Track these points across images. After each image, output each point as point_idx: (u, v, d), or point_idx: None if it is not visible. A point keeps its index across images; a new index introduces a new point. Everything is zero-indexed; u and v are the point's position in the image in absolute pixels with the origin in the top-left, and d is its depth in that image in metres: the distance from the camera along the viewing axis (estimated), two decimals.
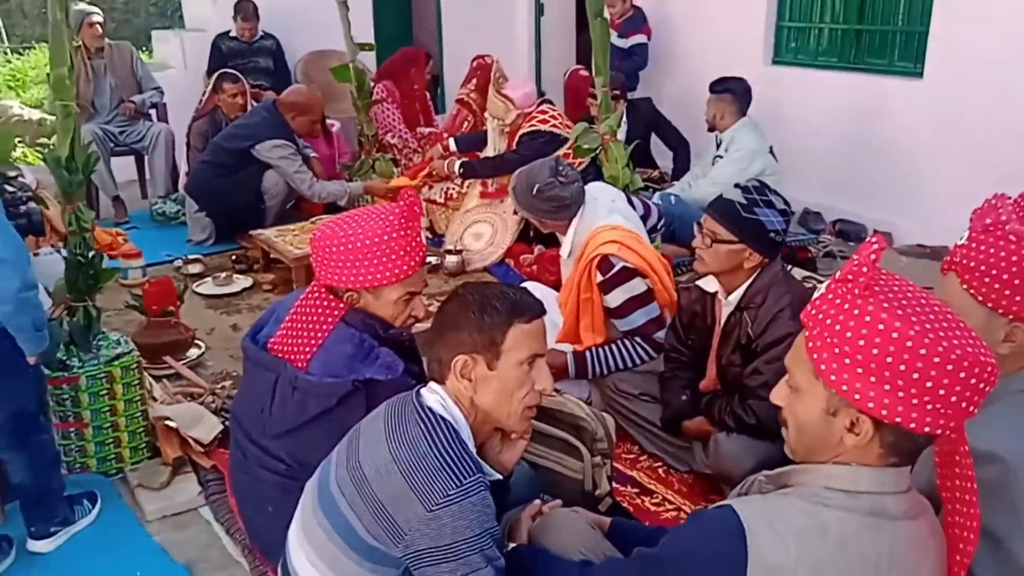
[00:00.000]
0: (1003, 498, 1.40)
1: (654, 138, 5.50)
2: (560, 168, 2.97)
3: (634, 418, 2.85)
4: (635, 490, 2.69)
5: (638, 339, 2.86)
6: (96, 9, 5.83)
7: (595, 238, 2.90)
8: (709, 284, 2.59)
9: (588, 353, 2.90)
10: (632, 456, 2.86)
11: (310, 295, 2.05)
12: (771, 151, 4.71)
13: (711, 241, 2.44)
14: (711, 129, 4.84)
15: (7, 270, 2.17)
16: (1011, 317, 1.53)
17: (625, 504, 2.58)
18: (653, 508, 2.60)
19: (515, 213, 4.28)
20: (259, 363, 2.09)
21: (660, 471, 2.78)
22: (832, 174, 5.32)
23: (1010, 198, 1.60)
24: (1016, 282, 1.51)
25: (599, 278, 2.85)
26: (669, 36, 6.36)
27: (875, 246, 1.23)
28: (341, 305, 2.03)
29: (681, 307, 2.73)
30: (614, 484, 2.58)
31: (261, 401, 2.06)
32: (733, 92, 4.67)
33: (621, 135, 4.16)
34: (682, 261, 4.46)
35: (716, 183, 4.50)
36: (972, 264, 1.56)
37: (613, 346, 2.88)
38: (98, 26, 5.65)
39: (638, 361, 2.88)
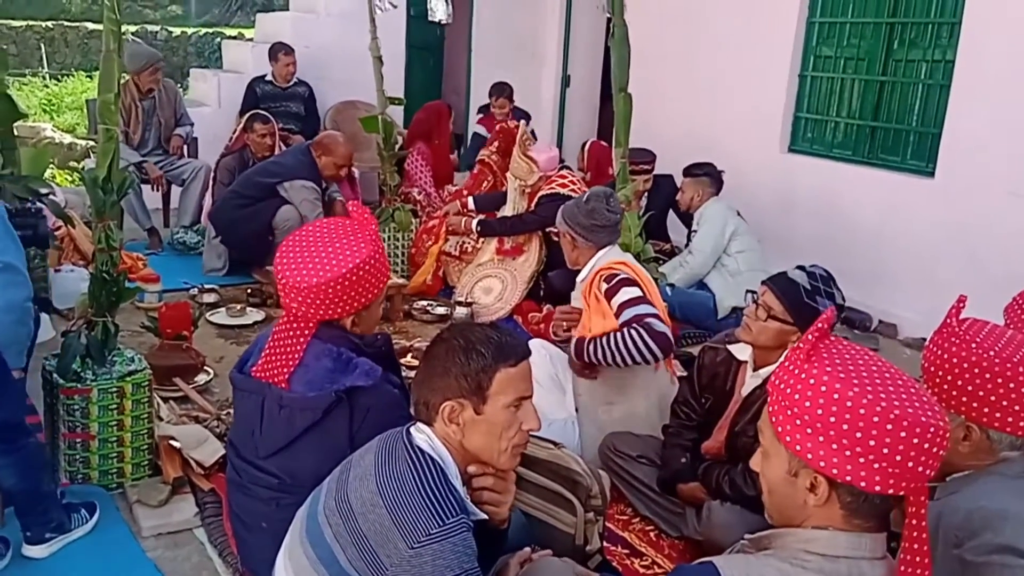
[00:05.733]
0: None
1: (672, 215, 5.63)
2: (611, 198, 3.18)
3: (630, 479, 2.88)
4: (625, 551, 2.71)
5: (635, 325, 2.84)
6: (161, 55, 6.10)
7: (607, 263, 3.11)
8: (740, 352, 2.61)
9: (588, 338, 2.94)
10: (625, 517, 2.88)
11: (281, 322, 2.09)
12: (738, 214, 4.95)
13: (767, 316, 2.45)
14: (687, 210, 5.06)
15: (19, 278, 2.20)
16: (963, 417, 1.60)
17: (615, 564, 2.59)
18: (642, 570, 2.62)
19: (554, 237, 4.25)
20: (245, 389, 2.15)
21: (652, 534, 2.80)
22: (841, 262, 5.35)
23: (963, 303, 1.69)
24: (969, 388, 1.59)
25: (604, 287, 3.00)
26: (691, 119, 6.54)
27: (825, 315, 1.34)
28: (311, 325, 2.06)
29: (703, 365, 2.74)
30: (605, 543, 2.59)
31: (251, 424, 2.11)
32: (710, 175, 4.98)
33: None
34: (686, 333, 4.55)
35: (703, 252, 4.80)
36: (931, 368, 1.66)
37: (614, 334, 2.86)
38: (161, 72, 5.89)
39: (641, 348, 2.79)
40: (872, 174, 5.39)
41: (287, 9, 7.79)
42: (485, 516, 1.72)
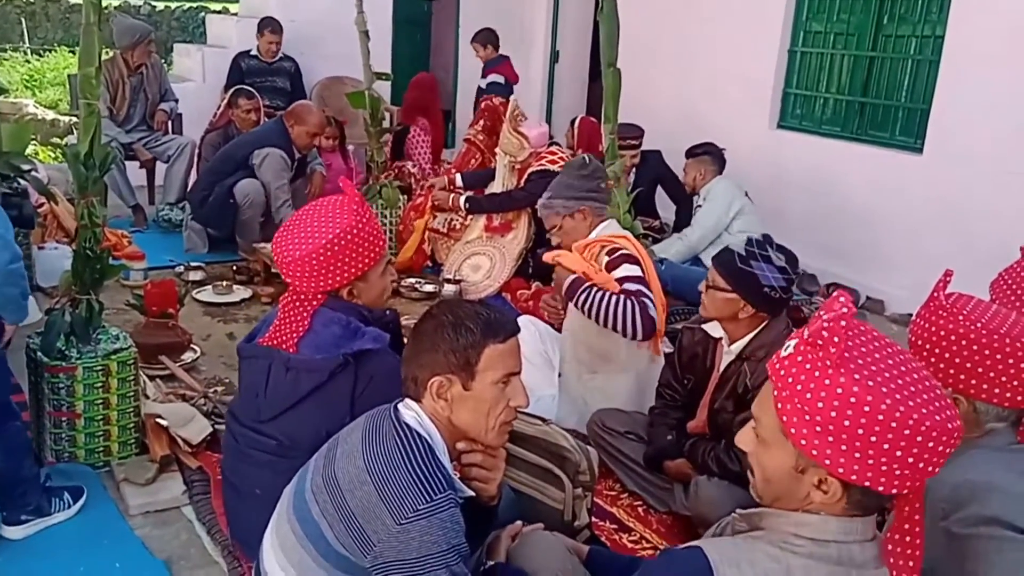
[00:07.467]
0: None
1: (660, 190, 5.62)
2: (590, 158, 3.28)
3: (618, 455, 2.89)
4: (614, 526, 2.72)
5: (633, 298, 2.93)
6: (151, 28, 5.99)
7: (609, 235, 3.16)
8: (714, 329, 2.64)
9: (586, 283, 3.02)
10: (613, 493, 2.89)
11: (288, 296, 2.17)
12: (746, 195, 4.93)
13: (707, 287, 2.53)
14: (693, 191, 5.05)
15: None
16: (950, 390, 1.61)
17: (603, 538, 2.60)
18: (630, 545, 2.63)
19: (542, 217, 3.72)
20: (253, 356, 2.20)
21: (640, 509, 2.81)
22: (829, 238, 5.42)
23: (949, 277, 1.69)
24: (956, 360, 1.60)
25: (605, 260, 3.03)
26: (680, 94, 6.51)
27: (844, 310, 1.23)
28: (314, 297, 2.14)
29: (682, 346, 2.77)
30: (593, 518, 2.59)
31: (255, 388, 2.16)
32: (711, 154, 4.97)
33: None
34: (676, 310, 4.54)
35: (704, 227, 4.79)
36: (918, 341, 1.66)
37: (611, 294, 2.95)
38: (152, 46, 5.82)
39: (628, 321, 2.89)
40: (861, 150, 5.38)
41: None
42: (473, 493, 1.72)
